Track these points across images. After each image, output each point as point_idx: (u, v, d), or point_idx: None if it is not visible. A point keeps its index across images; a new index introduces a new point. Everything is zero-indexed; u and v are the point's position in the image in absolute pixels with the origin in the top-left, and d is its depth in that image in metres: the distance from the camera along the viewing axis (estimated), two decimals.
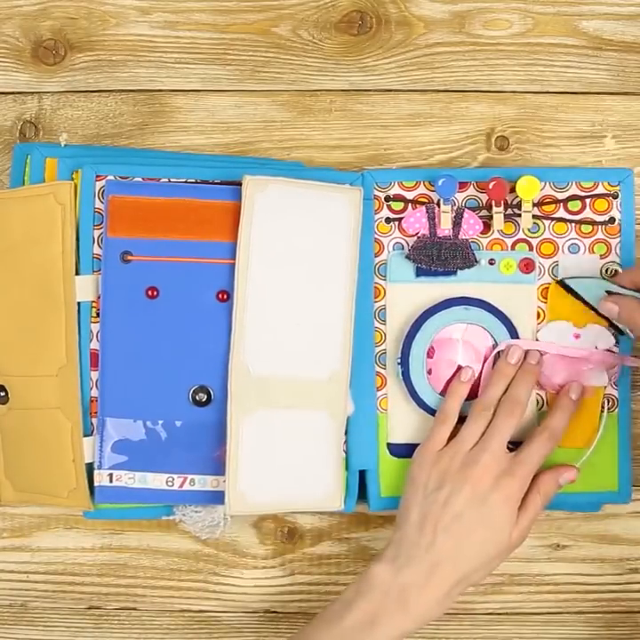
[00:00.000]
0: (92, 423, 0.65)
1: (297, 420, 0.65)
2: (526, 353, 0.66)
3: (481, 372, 0.66)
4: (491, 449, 0.62)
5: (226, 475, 0.64)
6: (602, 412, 0.67)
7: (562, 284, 0.66)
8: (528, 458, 0.62)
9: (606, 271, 0.66)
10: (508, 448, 0.63)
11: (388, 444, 0.67)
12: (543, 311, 0.67)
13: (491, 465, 0.61)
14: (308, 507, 0.67)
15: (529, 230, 0.66)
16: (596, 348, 0.66)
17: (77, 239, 0.64)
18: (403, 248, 0.67)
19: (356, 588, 0.60)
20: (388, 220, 0.67)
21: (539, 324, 0.67)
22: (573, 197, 0.66)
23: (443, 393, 0.67)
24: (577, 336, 0.66)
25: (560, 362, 0.66)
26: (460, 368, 0.66)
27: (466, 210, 0.66)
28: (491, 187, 0.65)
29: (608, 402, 0.67)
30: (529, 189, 0.65)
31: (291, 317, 0.64)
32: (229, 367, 0.64)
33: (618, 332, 0.66)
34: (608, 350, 0.66)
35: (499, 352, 0.66)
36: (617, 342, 0.66)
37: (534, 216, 0.66)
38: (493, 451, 0.62)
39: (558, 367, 0.66)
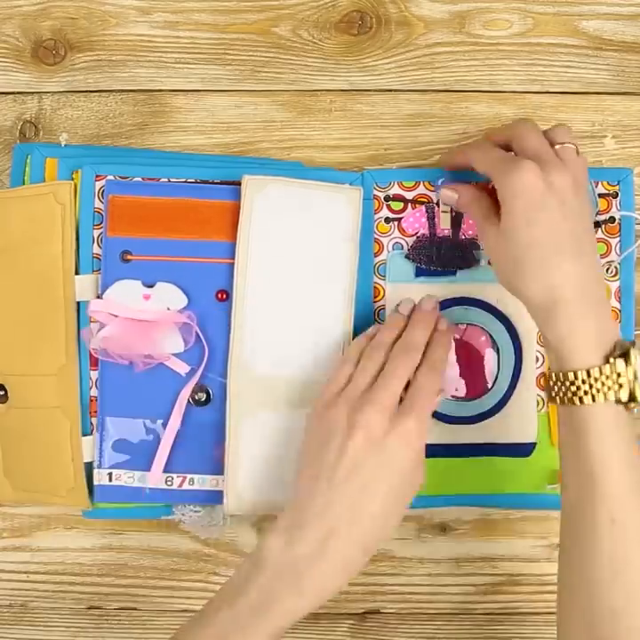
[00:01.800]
0: (91, 422, 0.65)
1: (296, 420, 0.65)
2: (422, 299, 0.64)
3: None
4: (384, 389, 0.56)
5: (225, 475, 0.64)
6: None
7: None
8: (417, 395, 0.57)
9: (607, 271, 0.66)
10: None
11: None
12: None
13: (383, 406, 0.56)
14: None
15: None
16: (168, 309, 0.64)
17: (77, 239, 0.65)
18: (402, 248, 0.67)
19: (249, 564, 0.55)
20: (387, 220, 0.67)
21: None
22: None
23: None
24: (147, 297, 0.64)
25: (132, 327, 0.63)
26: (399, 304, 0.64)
27: None
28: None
29: None
30: None
31: (290, 317, 0.65)
32: (228, 367, 0.64)
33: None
34: (180, 311, 0.64)
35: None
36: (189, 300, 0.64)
37: None
38: (387, 391, 0.56)
39: (132, 333, 0.63)
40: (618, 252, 0.66)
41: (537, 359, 0.67)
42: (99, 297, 0.64)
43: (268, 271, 0.64)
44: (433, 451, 0.66)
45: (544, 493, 0.67)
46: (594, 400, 0.54)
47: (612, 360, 0.54)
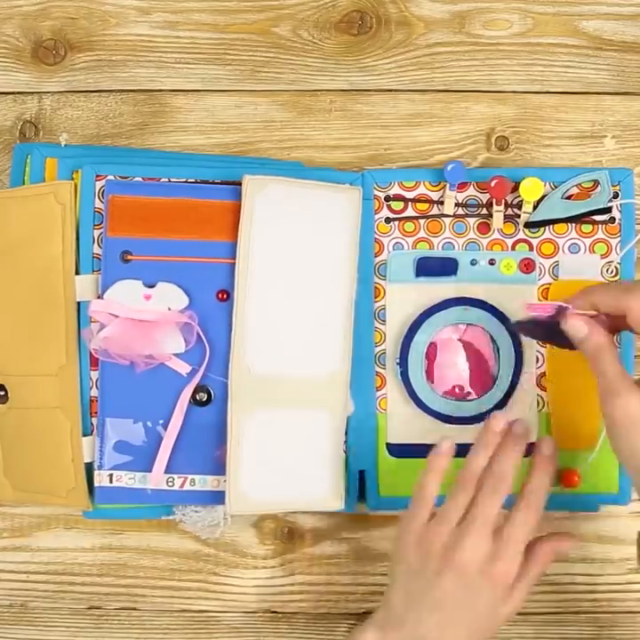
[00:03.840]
0: (91, 423, 0.65)
1: (297, 420, 0.65)
2: (514, 421, 0.60)
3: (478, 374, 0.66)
4: (474, 532, 0.57)
5: (226, 474, 0.64)
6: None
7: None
8: (513, 536, 0.57)
9: (607, 271, 0.66)
10: None
11: (388, 445, 0.67)
12: None
13: (475, 549, 0.57)
14: (309, 506, 0.67)
15: (529, 230, 0.66)
16: (169, 309, 0.64)
17: (77, 239, 0.65)
18: (402, 248, 0.67)
19: None
20: (387, 220, 0.67)
21: None
22: None
23: (442, 394, 0.67)
24: (148, 297, 0.64)
25: (134, 327, 0.63)
26: (435, 445, 0.61)
27: None
28: (492, 185, 0.65)
29: None
30: (532, 191, 0.65)
31: (291, 317, 0.64)
32: (229, 367, 0.64)
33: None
34: (181, 312, 0.64)
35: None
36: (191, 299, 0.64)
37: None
38: (477, 533, 0.57)
39: (132, 333, 0.63)
40: (618, 252, 0.66)
41: (537, 359, 0.67)
42: (99, 297, 0.64)
43: (269, 271, 0.64)
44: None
45: None
46: None
47: None
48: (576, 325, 0.57)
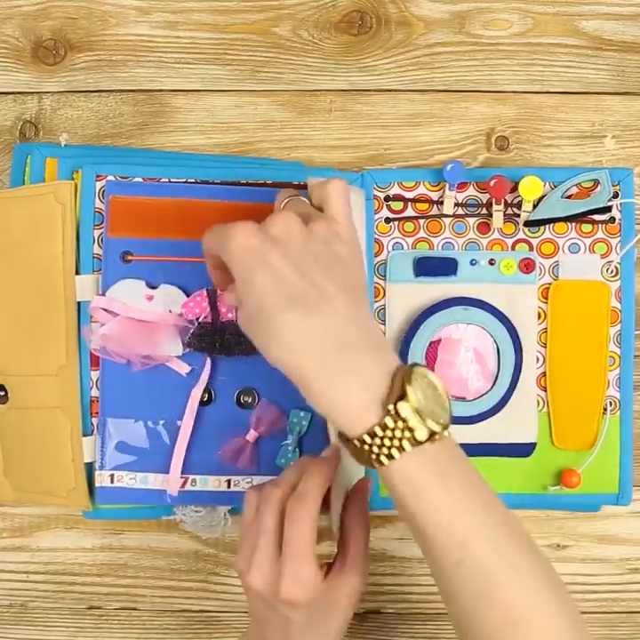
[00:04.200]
0: (91, 423, 0.65)
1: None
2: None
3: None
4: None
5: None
6: (604, 413, 0.67)
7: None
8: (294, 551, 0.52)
9: (607, 270, 0.67)
10: None
11: None
12: (544, 311, 0.67)
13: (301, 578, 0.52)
14: None
15: (529, 230, 0.66)
16: (170, 311, 0.64)
17: (78, 239, 0.65)
18: (402, 248, 0.67)
19: None
20: (387, 220, 0.67)
21: (539, 323, 0.67)
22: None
23: None
24: (149, 297, 0.64)
25: (134, 327, 0.63)
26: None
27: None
28: (492, 184, 0.65)
29: (610, 404, 0.67)
30: (531, 190, 0.65)
31: None
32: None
33: None
34: (180, 315, 0.64)
35: None
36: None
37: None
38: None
39: (132, 332, 0.63)
40: (618, 251, 0.66)
41: (537, 359, 0.67)
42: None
43: None
44: None
45: (544, 494, 0.67)
46: (393, 457, 0.47)
47: (391, 409, 0.47)
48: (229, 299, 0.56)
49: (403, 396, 0.47)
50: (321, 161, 0.69)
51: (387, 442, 0.47)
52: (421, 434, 0.47)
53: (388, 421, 0.47)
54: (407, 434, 0.47)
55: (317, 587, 0.52)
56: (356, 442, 0.47)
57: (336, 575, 0.55)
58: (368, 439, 0.47)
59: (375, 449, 0.47)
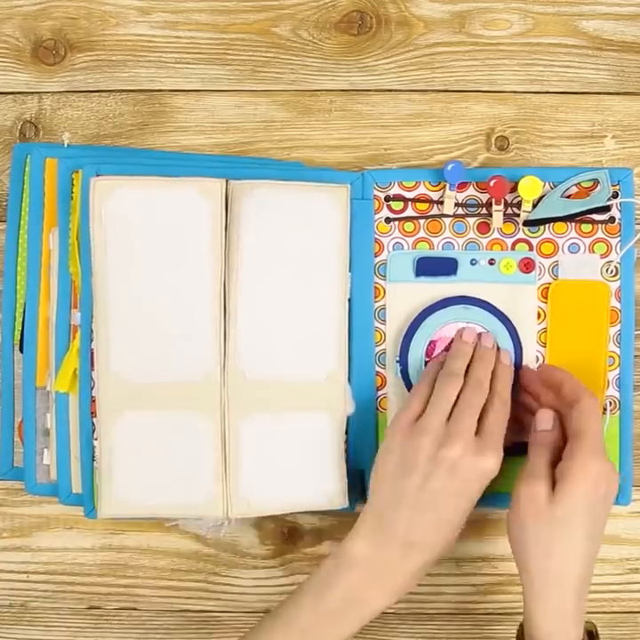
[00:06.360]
0: (93, 423, 0.65)
1: (297, 422, 0.65)
2: (480, 335, 0.66)
3: None
4: (462, 431, 0.59)
5: (225, 480, 0.64)
6: (604, 413, 0.67)
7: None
8: (492, 427, 0.60)
9: (607, 270, 0.67)
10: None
11: None
12: (543, 311, 0.67)
13: (465, 442, 0.58)
14: (313, 506, 0.66)
15: (529, 230, 0.66)
16: None
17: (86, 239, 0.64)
18: (402, 248, 0.67)
19: (332, 565, 0.59)
20: (387, 220, 0.67)
21: (539, 323, 0.67)
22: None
23: None
24: None
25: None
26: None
27: None
28: (491, 184, 0.65)
29: (610, 404, 0.67)
30: (531, 189, 0.65)
31: (283, 320, 0.64)
32: (224, 373, 0.64)
33: None
34: None
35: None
36: None
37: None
38: (465, 432, 0.59)
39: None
40: (618, 251, 0.66)
41: (537, 359, 0.67)
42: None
43: (259, 275, 0.64)
44: None
45: None
46: None
47: None
48: (546, 418, 0.62)
49: None
50: (321, 161, 0.69)
51: None
52: None
53: None
54: None
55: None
56: None
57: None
58: None
59: None
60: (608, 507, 0.58)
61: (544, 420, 0.61)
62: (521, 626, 0.60)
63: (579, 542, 0.57)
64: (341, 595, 0.58)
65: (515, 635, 0.62)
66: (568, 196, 0.66)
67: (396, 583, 0.59)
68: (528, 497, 0.57)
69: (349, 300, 0.66)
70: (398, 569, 0.58)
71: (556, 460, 0.59)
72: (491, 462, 0.59)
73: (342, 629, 0.58)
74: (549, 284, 0.67)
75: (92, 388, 0.65)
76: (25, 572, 0.70)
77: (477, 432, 0.59)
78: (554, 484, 0.57)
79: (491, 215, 0.66)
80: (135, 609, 0.70)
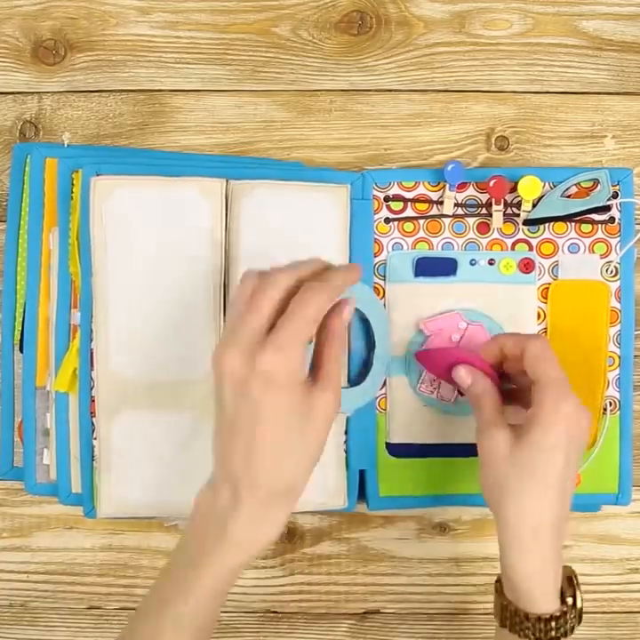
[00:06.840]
0: (92, 423, 0.65)
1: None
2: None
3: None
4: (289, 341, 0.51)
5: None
6: (604, 413, 0.67)
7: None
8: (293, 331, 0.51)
9: (607, 270, 0.67)
10: None
11: (387, 444, 0.67)
12: (543, 311, 0.67)
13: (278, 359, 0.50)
14: (313, 506, 0.66)
15: (529, 230, 0.66)
16: None
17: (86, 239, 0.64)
18: (402, 248, 0.67)
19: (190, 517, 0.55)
20: (387, 220, 0.67)
21: (539, 323, 0.67)
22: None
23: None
24: None
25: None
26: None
27: None
28: (491, 184, 0.65)
29: (610, 404, 0.67)
30: (531, 189, 0.65)
31: None
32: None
33: None
34: None
35: None
36: None
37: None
38: (294, 342, 0.51)
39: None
40: (618, 251, 0.66)
41: None
42: None
43: None
44: (431, 451, 0.66)
45: None
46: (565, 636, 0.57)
47: (568, 599, 0.57)
48: (461, 375, 0.61)
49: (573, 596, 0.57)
50: (321, 161, 0.69)
51: (559, 627, 0.56)
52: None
53: (565, 609, 0.56)
54: (574, 621, 0.57)
55: (297, 376, 0.51)
56: (532, 616, 0.56)
57: (309, 389, 0.52)
58: (553, 623, 0.56)
59: (551, 631, 0.56)
60: (582, 446, 0.57)
61: (461, 378, 0.61)
62: (498, 580, 0.59)
63: (552, 485, 0.56)
64: (188, 553, 0.54)
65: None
66: (568, 196, 0.66)
67: (234, 532, 0.52)
68: (490, 447, 0.56)
69: None
70: (232, 515, 0.52)
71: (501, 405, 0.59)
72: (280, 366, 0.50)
73: (195, 589, 0.52)
74: (549, 284, 0.67)
75: (91, 388, 0.65)
76: (25, 572, 0.70)
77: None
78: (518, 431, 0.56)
79: (490, 215, 0.66)
80: (135, 609, 0.70)
